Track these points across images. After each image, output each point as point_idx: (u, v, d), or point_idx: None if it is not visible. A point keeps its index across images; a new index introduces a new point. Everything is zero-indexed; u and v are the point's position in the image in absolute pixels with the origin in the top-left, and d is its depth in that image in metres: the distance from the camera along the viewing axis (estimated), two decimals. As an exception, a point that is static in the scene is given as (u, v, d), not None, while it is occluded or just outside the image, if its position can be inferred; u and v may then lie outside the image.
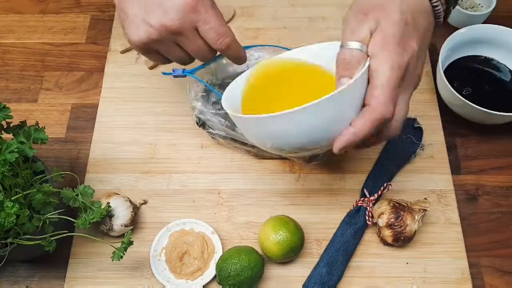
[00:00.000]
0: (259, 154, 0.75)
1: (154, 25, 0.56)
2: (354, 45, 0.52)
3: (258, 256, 0.65)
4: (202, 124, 0.74)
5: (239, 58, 0.63)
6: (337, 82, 0.52)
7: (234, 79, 0.65)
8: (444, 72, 0.75)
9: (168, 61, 0.63)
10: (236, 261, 0.63)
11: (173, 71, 0.65)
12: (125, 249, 0.61)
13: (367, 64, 0.51)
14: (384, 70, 0.51)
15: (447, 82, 0.73)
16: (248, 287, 0.64)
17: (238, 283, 0.63)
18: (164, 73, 0.67)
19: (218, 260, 0.66)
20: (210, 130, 0.73)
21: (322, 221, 0.72)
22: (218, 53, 0.62)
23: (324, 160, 0.73)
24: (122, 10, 0.59)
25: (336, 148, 0.52)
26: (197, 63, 0.64)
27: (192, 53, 0.60)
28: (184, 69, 0.65)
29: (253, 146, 0.73)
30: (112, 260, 0.61)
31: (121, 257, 0.61)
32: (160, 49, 0.60)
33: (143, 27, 0.57)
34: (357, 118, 0.51)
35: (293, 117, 0.51)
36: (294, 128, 0.52)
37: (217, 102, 0.73)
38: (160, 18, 0.56)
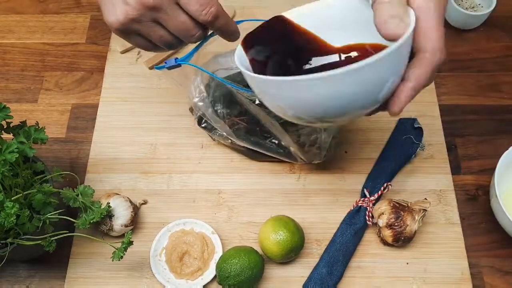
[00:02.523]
0: (256, 157, 0.75)
1: (130, 2, 0.52)
2: None
3: (258, 256, 0.65)
4: (203, 123, 0.73)
5: (231, 32, 0.57)
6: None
7: (227, 69, 0.62)
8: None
9: (152, 45, 0.58)
10: (236, 261, 0.63)
11: (165, 63, 0.61)
12: (125, 249, 0.61)
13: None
14: (432, 12, 0.47)
15: None
16: (248, 287, 0.64)
17: (238, 283, 0.63)
18: (157, 68, 0.63)
19: (218, 260, 0.66)
20: (213, 131, 0.73)
21: (322, 221, 0.72)
22: (210, 32, 0.57)
23: (325, 159, 0.73)
24: None
25: (396, 110, 0.48)
26: (188, 49, 0.60)
27: (175, 31, 0.54)
28: (177, 58, 0.61)
29: (253, 150, 0.73)
30: (112, 260, 0.61)
31: (121, 257, 0.61)
32: (141, 31, 0.55)
33: (119, 6, 0.53)
34: (411, 69, 0.47)
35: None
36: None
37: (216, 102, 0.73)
38: None
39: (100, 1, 0.55)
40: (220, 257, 0.66)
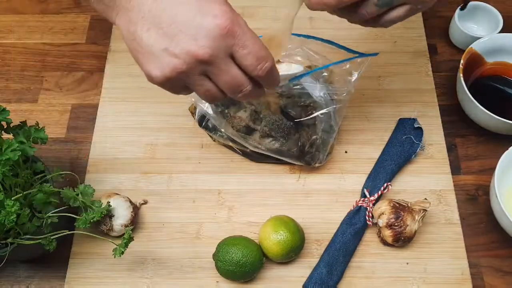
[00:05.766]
0: (256, 159, 0.75)
1: (180, 54, 0.46)
2: None
3: (260, 256, 0.66)
4: (205, 124, 0.73)
5: (275, 82, 0.53)
6: None
7: None
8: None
9: (189, 92, 0.53)
10: (240, 253, 0.64)
11: None
12: (126, 245, 0.61)
13: None
14: None
15: (473, 99, 0.73)
16: (237, 277, 0.65)
17: (232, 269, 0.64)
18: None
19: (224, 242, 0.66)
20: (213, 132, 0.73)
21: (322, 221, 0.72)
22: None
23: (325, 162, 0.74)
24: (134, 38, 0.48)
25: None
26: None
27: (224, 85, 0.50)
28: None
29: (253, 152, 0.73)
30: (114, 257, 0.61)
31: (122, 252, 0.61)
32: (187, 84, 0.50)
33: (166, 59, 0.47)
34: None
35: None
36: None
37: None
38: (187, 45, 0.46)
39: (135, 51, 0.49)
40: (227, 240, 0.67)
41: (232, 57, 0.48)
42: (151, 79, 0.49)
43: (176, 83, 0.50)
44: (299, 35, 0.62)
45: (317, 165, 0.73)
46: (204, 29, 0.46)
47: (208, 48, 0.46)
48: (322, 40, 0.66)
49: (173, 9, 0.47)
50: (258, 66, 0.49)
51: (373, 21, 0.59)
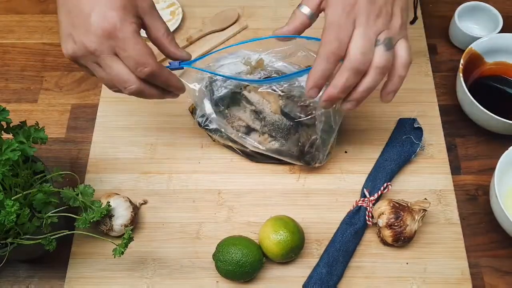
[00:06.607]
0: (257, 159, 0.75)
1: (77, 42, 0.56)
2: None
3: (260, 256, 0.66)
4: (205, 124, 0.73)
5: (170, 87, 0.62)
6: None
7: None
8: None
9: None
10: (240, 253, 0.64)
11: (170, 64, 0.63)
12: (126, 245, 0.61)
13: None
14: (329, 13, 0.57)
15: (472, 99, 0.73)
16: (237, 277, 0.65)
17: (232, 269, 0.64)
18: None
19: (224, 242, 0.66)
20: (213, 132, 0.73)
21: (322, 221, 0.72)
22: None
23: (325, 162, 0.74)
24: (59, 19, 0.58)
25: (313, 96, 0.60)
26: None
27: (113, 77, 0.58)
28: (181, 62, 0.63)
29: (256, 152, 0.73)
30: (114, 257, 0.61)
31: (122, 252, 0.61)
32: (88, 66, 0.59)
33: (69, 42, 0.57)
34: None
35: None
36: None
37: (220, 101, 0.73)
38: (82, 37, 0.55)
39: (59, 22, 0.58)
40: (227, 239, 0.67)
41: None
42: (64, 53, 0.59)
43: (79, 63, 0.59)
44: (300, 37, 0.62)
45: (317, 165, 0.73)
46: (93, 27, 0.55)
47: (93, 43, 0.55)
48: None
49: (82, 2, 0.55)
50: (137, 69, 0.57)
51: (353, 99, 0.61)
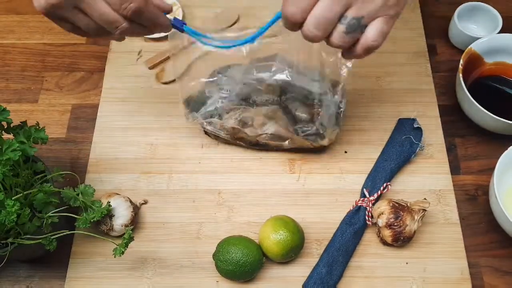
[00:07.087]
0: (255, 146, 0.75)
1: None
2: None
3: (260, 256, 0.66)
4: (200, 113, 0.73)
5: (156, 25, 0.57)
6: None
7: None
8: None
9: (80, 30, 0.57)
10: (240, 252, 0.64)
11: (174, 19, 0.60)
12: (127, 245, 0.61)
13: None
14: None
15: (472, 99, 0.73)
16: (237, 276, 0.65)
17: (232, 269, 0.64)
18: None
19: (224, 241, 0.67)
20: (214, 131, 0.74)
21: (322, 221, 0.72)
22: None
23: (333, 141, 0.73)
24: None
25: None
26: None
27: (98, 20, 0.54)
28: (185, 24, 0.61)
29: (257, 143, 0.73)
30: (114, 257, 0.61)
31: (123, 252, 0.61)
32: (66, 17, 0.55)
33: None
34: None
35: None
36: None
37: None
38: None
39: None
40: (227, 240, 0.67)
41: None
42: (37, 9, 0.56)
43: (55, 15, 0.55)
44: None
45: (325, 142, 0.72)
46: None
47: None
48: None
49: None
50: (122, 5, 0.53)
51: (351, 51, 0.54)
